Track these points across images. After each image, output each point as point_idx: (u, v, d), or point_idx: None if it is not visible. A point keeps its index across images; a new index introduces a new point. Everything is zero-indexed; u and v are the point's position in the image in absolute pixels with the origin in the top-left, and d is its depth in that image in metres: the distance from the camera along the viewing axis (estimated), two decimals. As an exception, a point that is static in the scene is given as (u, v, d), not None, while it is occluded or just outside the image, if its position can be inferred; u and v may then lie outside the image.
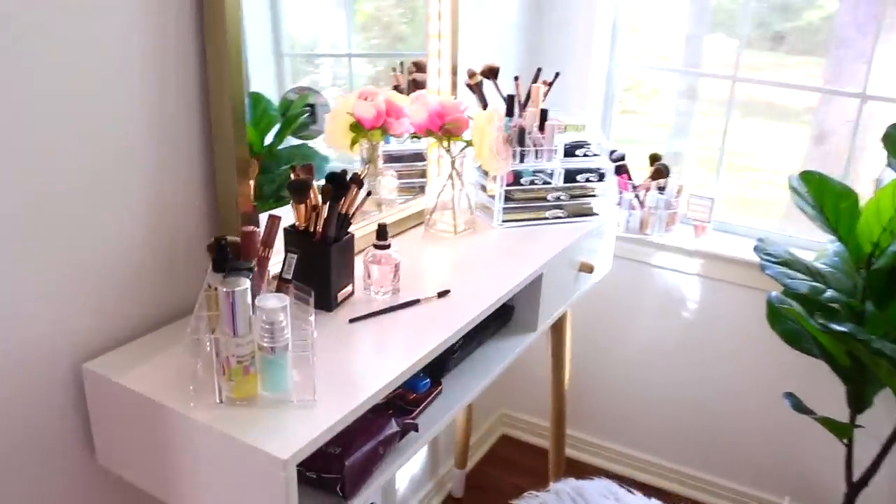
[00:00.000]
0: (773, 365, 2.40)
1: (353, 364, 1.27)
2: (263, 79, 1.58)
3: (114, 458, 1.27)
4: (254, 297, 1.11)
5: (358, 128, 1.76)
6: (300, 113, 1.72)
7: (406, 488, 2.43)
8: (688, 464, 2.68)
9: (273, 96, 1.61)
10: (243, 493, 1.09)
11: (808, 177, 1.96)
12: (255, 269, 1.23)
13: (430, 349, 1.32)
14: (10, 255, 1.11)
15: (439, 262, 1.73)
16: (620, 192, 2.47)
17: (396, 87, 1.97)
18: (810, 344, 2.02)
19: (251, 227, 1.23)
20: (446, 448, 2.65)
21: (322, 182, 1.40)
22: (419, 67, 2.03)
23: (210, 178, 1.41)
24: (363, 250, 1.58)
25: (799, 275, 1.90)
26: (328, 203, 1.39)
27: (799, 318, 1.90)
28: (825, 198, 1.93)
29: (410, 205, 1.94)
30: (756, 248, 1.98)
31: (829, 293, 1.85)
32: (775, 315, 2.05)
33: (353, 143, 1.79)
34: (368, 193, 1.52)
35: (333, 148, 1.76)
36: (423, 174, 2.03)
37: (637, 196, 2.48)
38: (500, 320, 1.75)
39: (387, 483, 2.29)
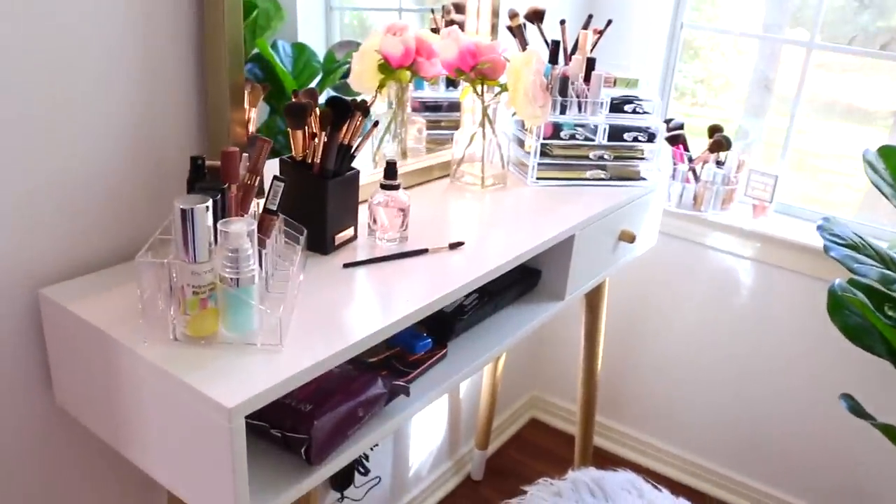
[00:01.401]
0: (830, 364, 2.17)
1: (338, 312, 1.11)
2: (312, 31, 1.54)
3: (71, 398, 1.14)
4: (224, 223, 0.96)
5: (386, 69, 1.60)
6: (341, 64, 1.62)
7: (420, 465, 2.27)
8: (727, 465, 2.46)
9: (320, 49, 1.56)
10: (188, 445, 0.94)
11: (887, 151, 1.74)
12: (234, 193, 1.08)
13: (430, 301, 1.15)
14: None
15: (459, 214, 1.56)
16: (675, 164, 2.26)
17: (434, 31, 1.80)
18: (875, 341, 1.79)
19: (232, 148, 1.08)
20: (468, 427, 2.49)
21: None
22: (458, 8, 1.85)
23: (202, 103, 1.26)
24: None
25: (868, 260, 1.67)
26: (328, 131, 1.23)
27: (865, 309, 1.68)
28: (906, 176, 1.70)
29: (438, 154, 1.77)
30: (820, 228, 1.76)
31: (903, 283, 1.63)
32: (837, 306, 1.83)
33: (381, 85, 1.63)
34: (375, 123, 1.36)
35: (361, 92, 1.61)
36: (458, 126, 1.86)
37: (692, 170, 2.26)
38: (524, 285, 1.57)
39: (397, 457, 2.13)
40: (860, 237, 1.75)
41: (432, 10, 1.84)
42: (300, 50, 1.51)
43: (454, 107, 1.89)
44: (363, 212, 1.37)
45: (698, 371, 2.43)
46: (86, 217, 1.14)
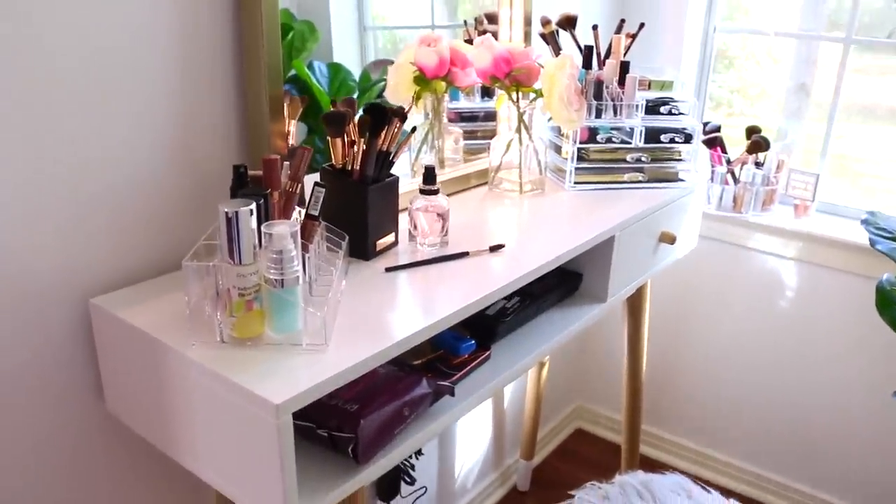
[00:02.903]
0: (882, 364, 2.12)
1: (381, 313, 1.13)
2: (346, 51, 1.57)
3: (121, 404, 1.16)
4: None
5: (422, 80, 1.62)
6: (377, 82, 1.65)
7: (466, 476, 2.26)
8: (778, 471, 2.42)
9: (355, 68, 1.59)
10: (237, 444, 0.95)
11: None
12: (276, 200, 1.10)
13: (473, 301, 1.15)
14: (20, 178, 1.02)
15: (499, 219, 1.57)
16: (713, 166, 2.24)
17: (468, 42, 1.82)
18: (927, 337, 1.75)
19: (273, 156, 1.10)
20: (513, 438, 2.48)
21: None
22: (490, 19, 1.87)
23: (243, 117, 1.29)
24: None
25: (916, 254, 1.64)
26: (366, 138, 1.25)
27: (915, 304, 1.65)
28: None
29: (474, 163, 1.78)
30: (864, 222, 1.74)
31: (953, 275, 1.59)
32: (886, 302, 1.79)
33: (417, 97, 1.65)
34: (413, 129, 1.37)
35: (398, 104, 1.63)
36: (493, 135, 1.87)
37: (731, 171, 2.25)
38: (565, 288, 1.57)
39: (443, 467, 2.13)
40: (907, 230, 1.72)
41: (465, 23, 1.86)
42: (336, 70, 1.54)
43: (490, 116, 1.90)
44: (403, 220, 1.38)
45: (745, 376, 2.40)
46: (133, 229, 1.17)
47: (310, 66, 1.49)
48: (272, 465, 0.91)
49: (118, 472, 1.26)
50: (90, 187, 1.10)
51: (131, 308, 1.09)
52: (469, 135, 1.81)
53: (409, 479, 1.90)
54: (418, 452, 1.91)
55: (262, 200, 1.02)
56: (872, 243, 1.67)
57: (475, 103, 1.89)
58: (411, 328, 1.06)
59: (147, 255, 1.20)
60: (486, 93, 1.89)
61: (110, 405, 1.19)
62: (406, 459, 1.89)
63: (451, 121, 1.80)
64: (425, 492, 2.03)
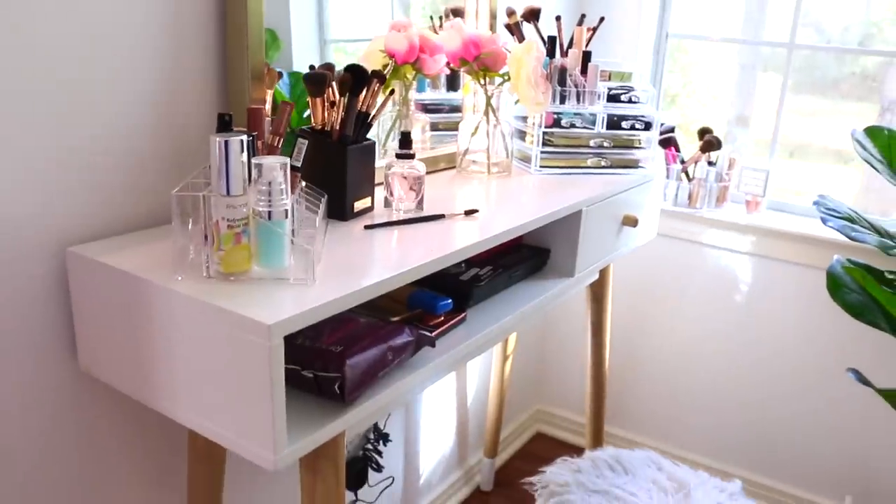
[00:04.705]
0: (834, 350, 2.20)
1: (362, 261, 1.14)
2: (307, 61, 1.55)
3: (95, 359, 1.15)
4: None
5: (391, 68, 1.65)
6: None
7: (431, 472, 2.26)
8: (738, 464, 2.46)
9: None
10: (225, 378, 0.95)
11: (874, 132, 1.80)
12: (260, 151, 1.11)
13: (450, 252, 1.18)
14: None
15: (469, 195, 1.60)
16: (668, 165, 2.32)
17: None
18: (877, 315, 1.82)
19: (258, 105, 1.12)
20: (476, 438, 2.48)
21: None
22: (456, 13, 1.92)
23: (223, 81, 1.30)
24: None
25: (865, 230, 1.72)
26: (346, 98, 1.27)
27: (865, 280, 1.72)
28: (894, 154, 1.76)
29: (443, 147, 1.82)
30: (816, 203, 1.81)
31: (901, 250, 1.67)
32: (837, 285, 1.86)
33: (387, 85, 1.68)
34: (391, 92, 1.40)
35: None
36: (458, 127, 1.91)
37: (685, 171, 2.32)
38: (535, 262, 1.60)
39: (409, 459, 2.12)
40: (854, 212, 1.80)
41: (431, 17, 1.91)
42: (297, 78, 1.54)
43: (455, 109, 1.94)
44: (378, 192, 1.40)
45: (703, 370, 2.45)
46: (112, 183, 1.17)
47: (273, 73, 1.51)
48: (262, 393, 0.92)
49: (90, 429, 1.24)
50: (70, 139, 1.10)
51: (111, 254, 1.09)
52: (433, 126, 1.84)
53: (376, 467, 1.89)
54: (385, 438, 1.90)
55: (251, 139, 1.03)
56: (823, 221, 1.74)
57: (441, 94, 1.93)
58: (394, 271, 1.07)
59: (124, 211, 1.20)
60: (452, 86, 1.93)
61: (83, 361, 1.17)
62: (373, 445, 1.89)
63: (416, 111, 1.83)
64: (392, 482, 2.02)
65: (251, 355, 0.91)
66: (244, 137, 0.96)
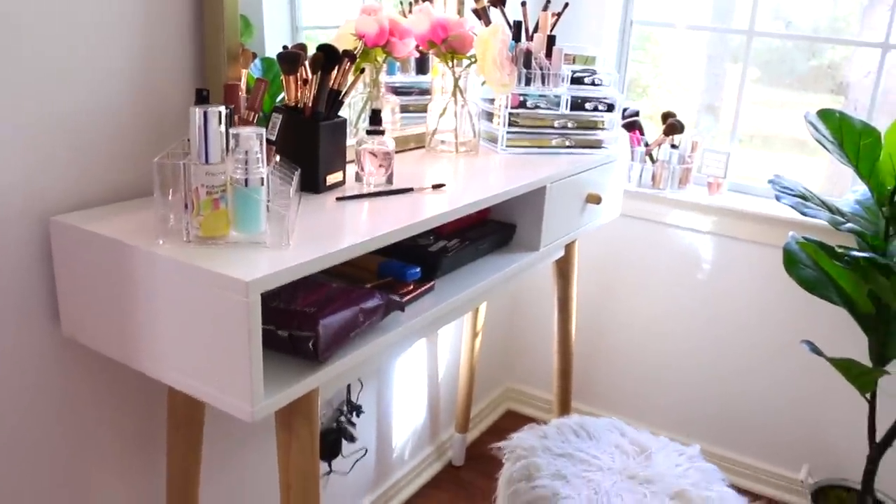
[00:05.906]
0: (792, 324, 2.29)
1: (336, 229, 1.20)
2: (279, 48, 1.55)
3: (79, 325, 1.20)
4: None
5: (362, 51, 1.71)
6: None
7: (403, 446, 2.32)
8: (700, 437, 2.55)
9: None
10: (204, 335, 1.01)
11: (826, 115, 1.88)
12: (237, 125, 1.17)
13: (418, 221, 1.24)
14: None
15: (437, 172, 1.66)
16: (633, 148, 2.40)
17: (404, 21, 1.92)
18: (830, 290, 1.92)
19: (234, 82, 1.18)
20: (448, 414, 2.55)
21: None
22: (425, -2, 1.98)
23: (200, 59, 1.35)
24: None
25: (817, 207, 1.81)
26: (318, 76, 1.33)
27: (818, 255, 1.81)
28: (845, 135, 1.85)
29: (412, 128, 1.88)
30: (771, 182, 1.90)
31: (850, 225, 1.76)
32: (792, 260, 1.95)
33: (357, 68, 1.73)
34: (362, 71, 1.46)
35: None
36: (426, 109, 1.97)
37: (650, 154, 2.40)
38: (501, 236, 1.67)
39: (382, 431, 2.19)
40: (808, 190, 1.89)
41: (401, 2, 1.96)
42: (269, 63, 1.58)
43: (424, 92, 2.00)
44: (350, 168, 1.46)
45: (667, 347, 2.54)
46: (94, 154, 1.22)
47: (245, 58, 1.54)
48: (240, 348, 0.98)
49: (72, 395, 1.29)
50: (51, 109, 1.15)
51: (95, 222, 1.14)
52: (402, 108, 1.90)
53: (349, 438, 1.95)
54: (358, 410, 1.97)
55: (229, 111, 1.09)
56: (778, 198, 1.83)
57: (410, 77, 1.99)
58: (365, 237, 1.14)
59: (105, 182, 1.25)
60: (421, 69, 1.99)
61: (66, 328, 1.22)
62: (346, 416, 1.95)
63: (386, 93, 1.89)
64: (365, 453, 2.09)
65: (230, 312, 0.97)
66: (222, 108, 1.01)
